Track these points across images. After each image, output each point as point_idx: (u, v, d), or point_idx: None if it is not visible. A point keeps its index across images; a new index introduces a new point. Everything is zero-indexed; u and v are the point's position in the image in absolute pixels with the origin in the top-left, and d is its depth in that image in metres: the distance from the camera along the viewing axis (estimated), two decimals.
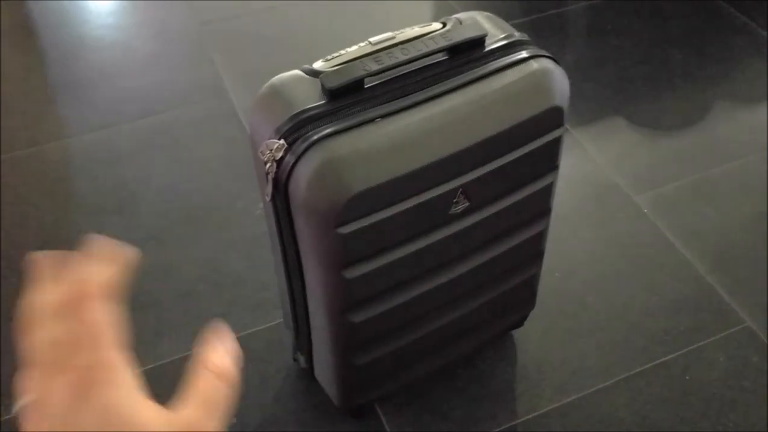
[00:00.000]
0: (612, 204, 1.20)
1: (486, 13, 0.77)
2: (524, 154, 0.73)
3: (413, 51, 0.69)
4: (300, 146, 0.65)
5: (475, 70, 0.70)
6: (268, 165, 0.66)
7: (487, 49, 0.72)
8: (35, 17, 1.63)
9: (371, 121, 0.66)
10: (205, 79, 1.45)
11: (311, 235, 0.69)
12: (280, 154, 0.66)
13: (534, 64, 0.71)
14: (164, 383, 1.00)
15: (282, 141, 0.66)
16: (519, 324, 0.99)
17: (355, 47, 0.71)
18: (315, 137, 0.65)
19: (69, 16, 1.64)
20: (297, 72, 0.70)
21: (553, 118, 0.73)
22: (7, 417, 0.93)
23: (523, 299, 0.94)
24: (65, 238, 1.16)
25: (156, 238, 1.16)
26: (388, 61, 0.68)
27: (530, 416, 0.93)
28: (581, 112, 1.36)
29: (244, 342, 1.01)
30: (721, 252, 1.12)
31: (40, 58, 1.52)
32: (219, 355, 0.34)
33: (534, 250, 0.87)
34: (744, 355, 0.98)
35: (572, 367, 0.98)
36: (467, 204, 0.73)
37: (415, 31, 0.72)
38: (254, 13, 1.62)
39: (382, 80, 0.68)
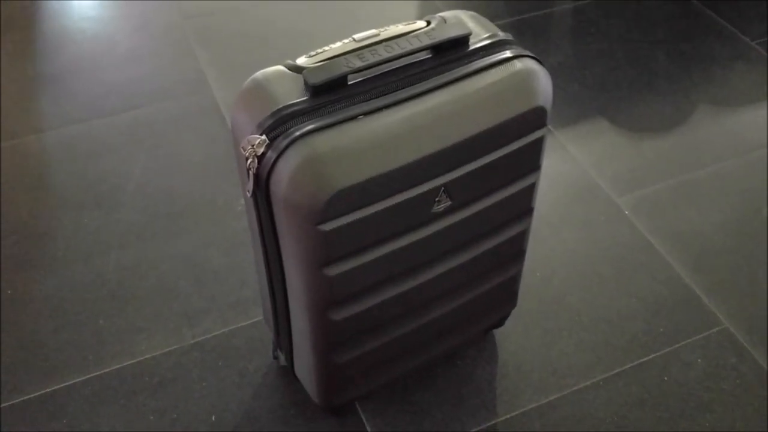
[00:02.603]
0: (593, 205, 1.20)
1: (470, 13, 0.77)
2: (507, 154, 0.73)
3: (397, 48, 0.68)
4: (282, 142, 0.65)
5: (459, 68, 0.70)
6: (249, 161, 0.66)
7: (470, 48, 0.72)
8: (16, 9, 1.61)
9: (354, 118, 0.66)
10: (188, 73, 1.44)
11: (292, 231, 0.68)
12: (261, 150, 0.65)
13: (517, 64, 0.71)
14: (143, 380, 1.00)
15: (263, 137, 0.65)
16: (500, 323, 0.99)
17: (338, 44, 0.70)
18: (297, 133, 0.64)
19: (50, 8, 1.62)
20: (280, 67, 0.70)
21: (536, 119, 0.73)
22: (7, 405, 0.92)
23: (504, 299, 0.94)
24: (43, 233, 1.15)
25: (136, 233, 1.15)
26: (371, 59, 0.67)
27: (510, 415, 0.93)
28: (564, 113, 1.36)
29: (224, 339, 1.01)
30: (700, 254, 1.13)
31: (20, 51, 1.50)
32: None
33: (516, 250, 0.87)
34: (722, 357, 0.99)
35: (552, 367, 0.98)
36: (449, 203, 0.73)
37: (400, 28, 0.72)
38: (238, 7, 1.61)
39: (366, 77, 0.68)
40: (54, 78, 1.43)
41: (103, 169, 1.25)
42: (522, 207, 0.82)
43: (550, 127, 1.31)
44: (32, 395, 0.95)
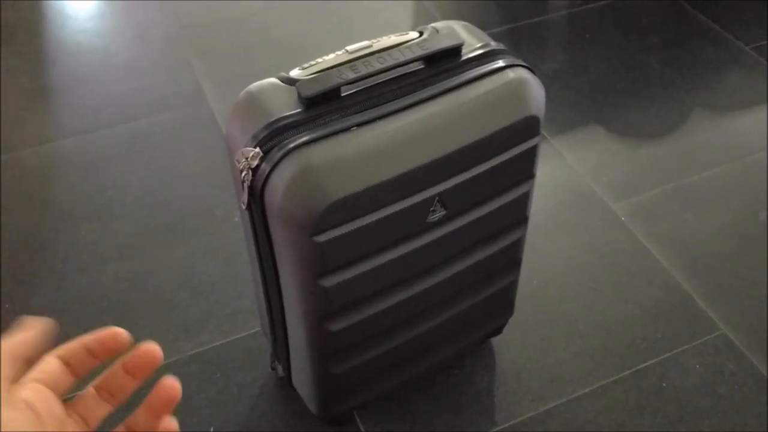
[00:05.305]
0: (590, 212, 1.20)
1: (463, 23, 0.77)
2: (500, 163, 0.73)
3: (390, 60, 0.69)
4: (276, 154, 0.65)
5: (451, 79, 0.70)
6: (243, 173, 0.66)
7: (463, 58, 0.72)
8: (12, 21, 1.62)
9: (347, 129, 0.66)
10: (185, 84, 1.45)
11: (287, 243, 0.69)
12: (255, 162, 0.65)
13: (510, 74, 0.72)
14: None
15: (257, 149, 0.65)
16: (497, 332, 0.99)
17: (331, 55, 0.71)
18: (291, 145, 0.65)
19: (47, 20, 1.63)
20: (273, 80, 0.70)
21: (529, 127, 0.73)
22: None
23: (502, 307, 0.94)
24: (41, 245, 1.15)
25: (134, 245, 1.15)
26: (364, 70, 0.68)
27: (508, 424, 0.93)
28: (560, 121, 1.37)
29: (222, 350, 1.01)
30: (697, 259, 1.13)
31: (18, 63, 1.50)
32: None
33: (511, 258, 0.87)
34: (720, 363, 0.99)
35: (550, 374, 0.98)
36: (444, 212, 0.73)
37: (392, 39, 0.72)
38: (234, 19, 1.62)
39: (359, 89, 0.68)
40: (51, 91, 1.44)
41: (101, 181, 1.25)
42: (517, 215, 0.82)
43: (545, 134, 1.32)
44: None
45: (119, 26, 1.61)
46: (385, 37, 0.72)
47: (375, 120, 0.67)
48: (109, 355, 0.40)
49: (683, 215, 1.20)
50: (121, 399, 0.41)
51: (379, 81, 0.69)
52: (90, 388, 0.40)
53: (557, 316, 1.05)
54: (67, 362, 0.39)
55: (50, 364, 0.38)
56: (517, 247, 0.85)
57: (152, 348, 0.40)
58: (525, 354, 1.00)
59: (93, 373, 0.41)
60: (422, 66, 0.71)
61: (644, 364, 0.99)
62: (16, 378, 0.37)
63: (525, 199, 0.80)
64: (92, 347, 0.40)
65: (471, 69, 0.71)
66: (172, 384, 0.40)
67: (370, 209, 0.68)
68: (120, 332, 0.40)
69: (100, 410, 0.40)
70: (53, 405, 0.37)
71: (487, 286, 0.87)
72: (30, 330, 0.40)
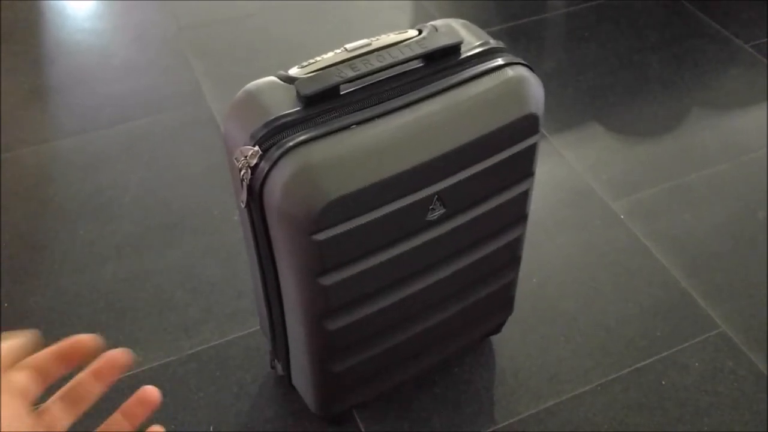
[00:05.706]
0: (589, 210, 1.20)
1: (462, 21, 0.77)
2: (500, 161, 0.73)
3: (389, 58, 0.69)
4: (275, 153, 0.65)
5: (451, 77, 0.70)
6: (242, 171, 0.66)
7: (462, 56, 0.72)
8: (11, 21, 1.62)
9: (346, 127, 0.66)
10: (183, 84, 1.44)
11: (286, 242, 0.69)
12: (254, 161, 0.65)
13: (509, 72, 0.72)
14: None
15: (256, 147, 0.65)
16: (497, 330, 0.99)
17: (330, 54, 0.70)
18: (290, 144, 0.65)
19: (45, 20, 1.63)
20: (272, 78, 0.70)
21: (528, 125, 0.73)
22: None
23: (501, 305, 0.94)
24: (40, 245, 1.15)
25: (132, 244, 1.15)
26: (363, 68, 0.68)
27: (507, 422, 0.93)
28: (559, 119, 1.37)
29: (221, 349, 1.01)
30: (696, 257, 1.13)
31: (16, 63, 1.50)
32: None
33: (511, 257, 0.87)
34: (719, 360, 0.99)
35: (549, 372, 0.98)
36: (443, 210, 0.73)
37: (391, 38, 0.72)
38: (233, 18, 1.62)
39: (358, 87, 0.68)
40: (50, 90, 1.44)
41: (100, 180, 1.25)
42: (516, 213, 0.82)
43: (544, 132, 1.32)
44: None
45: (118, 26, 1.61)
46: (384, 36, 0.72)
47: (374, 118, 0.67)
48: (79, 361, 0.40)
49: (682, 213, 1.20)
50: (86, 406, 0.41)
51: (379, 79, 0.69)
52: (55, 398, 0.40)
53: (556, 314, 1.05)
54: (37, 371, 0.39)
55: (20, 374, 0.38)
56: (516, 245, 0.85)
57: (117, 354, 0.41)
58: (524, 352, 1.01)
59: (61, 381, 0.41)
60: (421, 64, 0.71)
61: (643, 362, 0.99)
62: None
63: (524, 197, 0.80)
64: (62, 355, 0.40)
65: (470, 67, 0.71)
66: (152, 390, 0.42)
67: (369, 208, 0.68)
68: (87, 339, 0.40)
69: (66, 418, 0.40)
70: (22, 415, 0.37)
71: (486, 285, 0.87)
72: (14, 340, 0.40)
